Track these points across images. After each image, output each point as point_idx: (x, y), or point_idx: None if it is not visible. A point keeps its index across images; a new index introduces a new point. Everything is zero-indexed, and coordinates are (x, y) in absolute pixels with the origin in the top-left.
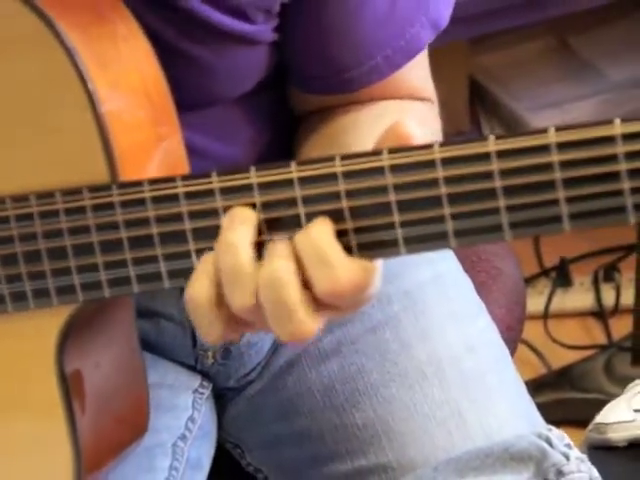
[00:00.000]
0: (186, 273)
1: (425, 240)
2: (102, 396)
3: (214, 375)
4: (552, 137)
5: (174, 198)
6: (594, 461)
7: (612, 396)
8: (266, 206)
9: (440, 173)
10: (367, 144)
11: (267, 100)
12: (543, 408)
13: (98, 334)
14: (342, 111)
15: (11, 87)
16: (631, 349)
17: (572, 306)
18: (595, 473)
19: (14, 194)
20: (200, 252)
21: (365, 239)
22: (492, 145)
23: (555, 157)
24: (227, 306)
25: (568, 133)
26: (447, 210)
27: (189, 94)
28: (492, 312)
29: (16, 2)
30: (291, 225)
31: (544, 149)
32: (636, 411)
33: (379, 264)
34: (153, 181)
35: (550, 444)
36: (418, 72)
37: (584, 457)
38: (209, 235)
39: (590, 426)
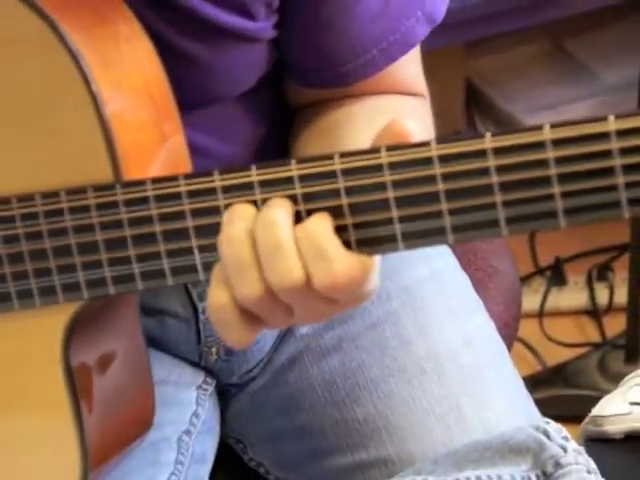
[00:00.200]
0: (189, 270)
1: (423, 236)
2: (108, 392)
3: (218, 371)
4: (547, 134)
5: (177, 196)
6: (591, 453)
7: (606, 393)
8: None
9: (437, 170)
10: (361, 138)
11: (267, 98)
12: (538, 404)
13: (103, 331)
14: (336, 105)
15: (16, 88)
16: (624, 347)
17: (567, 304)
18: (592, 465)
19: (20, 194)
20: (202, 249)
21: (364, 235)
22: (488, 142)
23: (550, 153)
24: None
25: (563, 130)
26: (445, 206)
27: (190, 93)
28: (489, 309)
29: (20, 5)
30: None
31: (539, 146)
32: (632, 404)
33: (377, 260)
34: (156, 180)
35: (548, 436)
36: (411, 67)
37: (581, 449)
38: (211, 232)
39: (587, 419)
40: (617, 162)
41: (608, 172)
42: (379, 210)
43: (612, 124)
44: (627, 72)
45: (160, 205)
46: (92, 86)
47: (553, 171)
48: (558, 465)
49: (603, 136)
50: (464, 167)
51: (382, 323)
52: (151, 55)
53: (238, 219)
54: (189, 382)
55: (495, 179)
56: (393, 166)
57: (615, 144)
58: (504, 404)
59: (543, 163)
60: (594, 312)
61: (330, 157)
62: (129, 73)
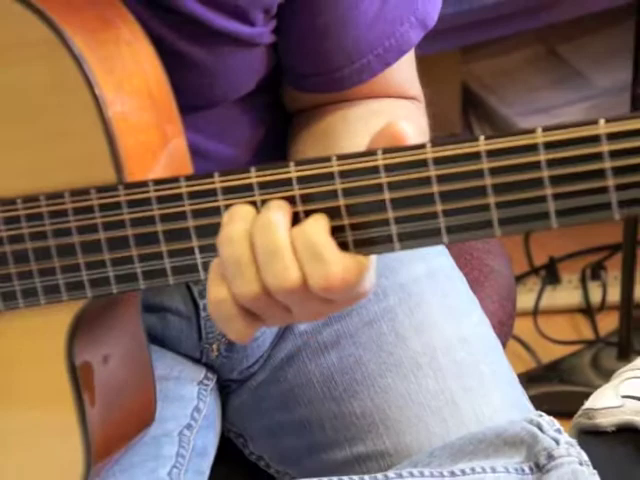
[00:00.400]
0: (190, 269)
1: (418, 236)
2: (111, 388)
3: (218, 367)
4: (539, 137)
5: (178, 197)
6: (583, 445)
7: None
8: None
9: (432, 172)
10: (356, 140)
11: (266, 101)
12: (533, 400)
13: (106, 328)
14: (332, 109)
15: (21, 92)
16: (617, 344)
17: (561, 303)
18: (584, 457)
19: (25, 195)
20: (203, 249)
21: (361, 235)
22: (482, 145)
23: (542, 156)
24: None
25: (555, 133)
26: (439, 207)
27: (190, 96)
28: (484, 308)
29: (26, 11)
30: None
31: (532, 148)
32: (624, 397)
33: (373, 259)
34: (158, 181)
35: (541, 429)
36: (406, 72)
37: (574, 442)
38: (212, 232)
39: (579, 412)
40: (607, 165)
41: (599, 174)
42: (375, 211)
43: (602, 128)
44: (618, 76)
45: (162, 206)
46: (95, 89)
47: (545, 173)
48: (551, 457)
49: (594, 139)
50: (458, 169)
51: (379, 320)
52: (153, 59)
53: (238, 219)
54: (190, 378)
55: (489, 181)
56: (389, 168)
57: (605, 147)
58: (499, 398)
59: (535, 165)
60: (587, 310)
61: (328, 159)
62: (131, 76)
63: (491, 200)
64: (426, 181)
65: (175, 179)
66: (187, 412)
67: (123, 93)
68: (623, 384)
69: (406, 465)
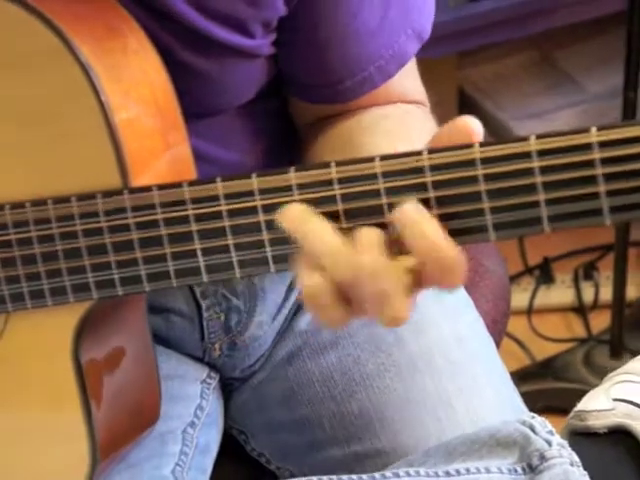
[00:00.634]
0: (193, 272)
1: None
2: (116, 387)
3: (221, 366)
4: (533, 145)
5: (181, 202)
6: (575, 447)
7: (591, 386)
8: (267, 208)
9: (428, 178)
10: (375, 140)
11: (267, 108)
12: (527, 397)
13: (112, 329)
14: (343, 117)
15: (30, 99)
16: (609, 342)
17: (554, 302)
18: (575, 458)
19: (33, 199)
20: (206, 251)
21: None
22: (477, 152)
23: (536, 163)
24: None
25: (548, 141)
26: (435, 212)
27: (194, 103)
28: (479, 307)
29: (35, 20)
30: None
31: (526, 155)
32: (615, 400)
33: None
34: (162, 186)
35: (533, 430)
36: (408, 81)
37: (565, 443)
38: (215, 235)
39: (571, 414)
40: (599, 172)
41: (590, 181)
42: (374, 216)
43: (594, 136)
44: (610, 82)
45: (165, 210)
46: (101, 96)
47: (538, 180)
48: (543, 458)
49: (586, 147)
50: (454, 175)
51: None
52: (158, 67)
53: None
54: (194, 377)
55: (483, 187)
56: (386, 174)
57: (597, 154)
58: (492, 398)
59: (529, 172)
60: (580, 309)
61: (327, 166)
62: (137, 84)
63: (486, 205)
64: (422, 187)
65: (178, 184)
66: (190, 410)
67: (129, 100)
68: (614, 387)
69: (402, 464)
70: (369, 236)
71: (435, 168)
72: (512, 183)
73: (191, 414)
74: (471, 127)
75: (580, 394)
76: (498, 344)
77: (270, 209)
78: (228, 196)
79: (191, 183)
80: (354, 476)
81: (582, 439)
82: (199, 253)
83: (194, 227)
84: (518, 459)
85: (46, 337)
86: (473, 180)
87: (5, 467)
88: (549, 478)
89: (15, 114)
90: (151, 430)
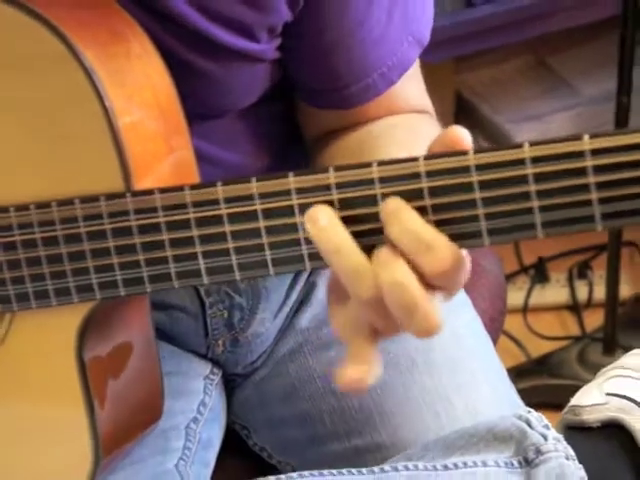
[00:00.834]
0: (194, 274)
1: None
2: (120, 384)
3: (224, 362)
4: (527, 152)
5: (183, 206)
6: (570, 441)
7: (585, 382)
8: (267, 213)
9: (425, 184)
10: (387, 149)
11: (271, 111)
12: (523, 393)
13: (115, 328)
14: (351, 129)
15: (34, 103)
16: (602, 340)
17: (549, 301)
18: (571, 452)
19: (37, 201)
20: (206, 254)
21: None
22: (472, 159)
23: (529, 170)
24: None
25: (541, 148)
26: (431, 217)
27: (198, 104)
28: (476, 305)
29: (39, 25)
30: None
31: (519, 163)
32: (608, 394)
33: None
34: (164, 190)
35: (529, 425)
36: (412, 88)
37: (561, 437)
38: (215, 239)
39: (566, 408)
40: (591, 179)
41: (583, 189)
42: (372, 221)
43: (587, 144)
44: (604, 86)
45: (167, 213)
46: (105, 101)
47: (532, 187)
48: (539, 452)
49: (578, 155)
50: (450, 182)
51: None
52: (162, 71)
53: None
54: (197, 373)
55: (478, 194)
56: (383, 180)
57: (589, 162)
58: (489, 393)
59: (523, 179)
60: (574, 307)
61: (326, 170)
62: (140, 88)
63: (480, 212)
64: (418, 193)
65: (180, 187)
66: (194, 406)
67: (132, 104)
68: (608, 382)
69: (401, 458)
70: (384, 252)
71: (431, 174)
72: (506, 190)
73: (194, 410)
74: (461, 137)
75: (574, 390)
76: (495, 342)
77: (269, 213)
78: (228, 200)
79: (192, 186)
80: (354, 470)
81: (576, 433)
82: (200, 256)
83: (195, 230)
84: (515, 453)
85: (50, 337)
86: (468, 186)
87: (7, 466)
88: (545, 472)
89: (20, 118)
90: (154, 427)
